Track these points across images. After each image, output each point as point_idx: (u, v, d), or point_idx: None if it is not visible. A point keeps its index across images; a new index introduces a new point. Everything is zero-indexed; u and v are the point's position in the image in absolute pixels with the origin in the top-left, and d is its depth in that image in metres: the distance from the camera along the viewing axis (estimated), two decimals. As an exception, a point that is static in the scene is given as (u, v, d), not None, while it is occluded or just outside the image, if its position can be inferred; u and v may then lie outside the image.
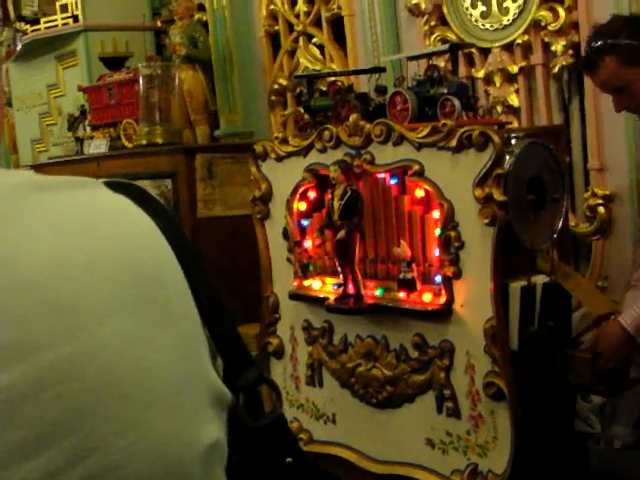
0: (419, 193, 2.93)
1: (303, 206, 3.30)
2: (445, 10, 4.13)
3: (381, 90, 3.21)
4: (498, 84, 3.98)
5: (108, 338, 0.62)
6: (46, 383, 0.58)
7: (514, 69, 3.92)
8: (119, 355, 0.62)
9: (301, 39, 4.96)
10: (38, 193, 0.67)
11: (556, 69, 3.78)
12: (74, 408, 0.59)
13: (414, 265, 2.94)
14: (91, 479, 0.59)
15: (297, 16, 4.95)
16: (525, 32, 3.84)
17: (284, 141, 3.32)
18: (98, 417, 0.60)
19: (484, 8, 3.99)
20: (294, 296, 3.34)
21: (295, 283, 3.34)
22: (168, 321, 0.69)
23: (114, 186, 0.76)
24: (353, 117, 3.05)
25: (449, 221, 2.79)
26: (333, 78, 3.69)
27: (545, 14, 3.74)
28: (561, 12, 3.69)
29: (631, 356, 2.94)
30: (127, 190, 0.76)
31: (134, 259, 0.68)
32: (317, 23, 4.87)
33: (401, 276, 2.96)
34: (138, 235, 0.72)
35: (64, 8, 5.75)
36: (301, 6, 4.90)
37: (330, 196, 3.07)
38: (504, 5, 3.91)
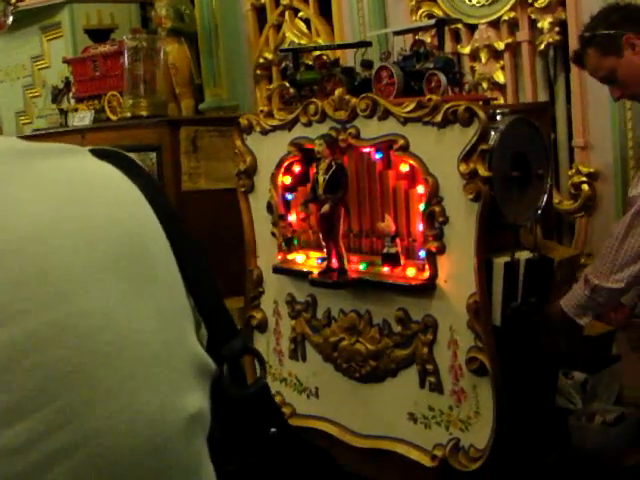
0: (404, 168, 2.93)
1: (288, 180, 3.29)
2: (432, -15, 4.12)
3: (367, 65, 3.20)
4: (484, 60, 3.97)
5: (92, 305, 0.62)
6: (28, 349, 0.58)
7: (500, 45, 3.91)
8: (103, 322, 0.62)
9: (287, 13, 4.93)
10: (25, 159, 0.67)
11: (542, 46, 3.77)
12: (56, 375, 0.59)
13: (398, 240, 2.95)
14: (72, 446, 0.59)
15: (284, -10, 4.92)
16: (512, 9, 3.83)
17: (269, 115, 3.31)
18: (80, 384, 0.60)
19: (471, -16, 3.98)
20: (278, 270, 3.33)
21: (279, 257, 3.33)
22: (152, 289, 0.69)
23: (101, 154, 0.76)
24: (339, 91, 3.04)
25: (433, 196, 2.79)
26: (319, 52, 3.67)
27: (532, -10, 3.73)
28: (548, -11, 3.68)
29: (580, 333, 2.95)
30: (114, 159, 0.76)
31: (120, 227, 0.68)
32: (303, -3, 4.85)
33: (385, 251, 2.96)
34: (124, 203, 0.72)
35: (49, -21, 5.69)
36: (288, -21, 4.88)
37: (315, 170, 3.06)
38: (491, -19, 3.90)
